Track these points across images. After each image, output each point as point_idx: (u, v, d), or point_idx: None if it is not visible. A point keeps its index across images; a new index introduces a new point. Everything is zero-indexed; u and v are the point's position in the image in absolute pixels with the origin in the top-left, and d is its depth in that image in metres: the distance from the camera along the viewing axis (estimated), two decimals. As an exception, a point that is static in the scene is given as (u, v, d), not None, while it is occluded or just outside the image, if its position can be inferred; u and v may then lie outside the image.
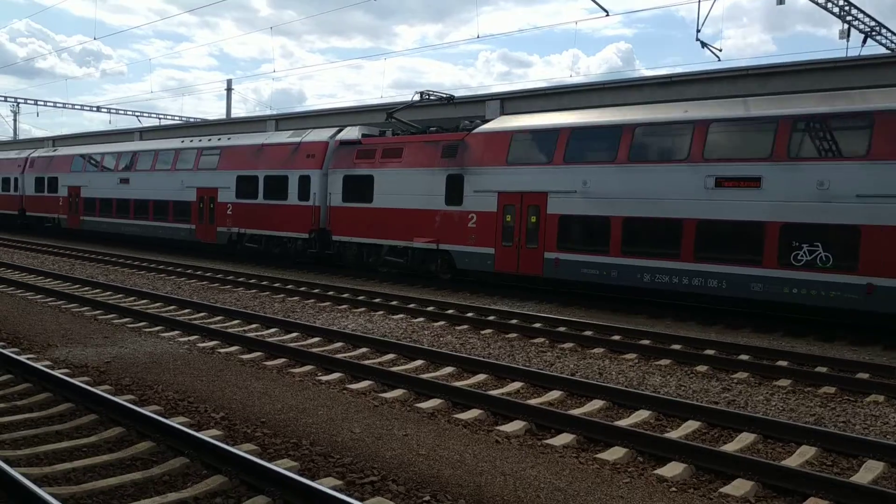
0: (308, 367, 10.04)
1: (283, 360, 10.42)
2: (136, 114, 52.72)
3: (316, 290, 17.67)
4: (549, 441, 7.21)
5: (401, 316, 14.63)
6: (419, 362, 10.59)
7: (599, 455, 6.86)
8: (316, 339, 12.06)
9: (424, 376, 9.54)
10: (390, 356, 10.95)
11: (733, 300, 15.11)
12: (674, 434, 7.57)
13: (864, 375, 10.40)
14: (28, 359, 9.43)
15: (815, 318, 14.66)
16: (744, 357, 11.50)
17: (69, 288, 17.23)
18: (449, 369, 10.21)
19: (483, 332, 13.22)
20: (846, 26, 27.76)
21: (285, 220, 23.57)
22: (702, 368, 10.71)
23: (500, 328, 13.43)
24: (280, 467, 5.72)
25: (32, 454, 6.35)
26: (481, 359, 10.58)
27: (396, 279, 20.48)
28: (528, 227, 17.49)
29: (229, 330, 12.40)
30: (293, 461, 6.33)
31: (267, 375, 9.53)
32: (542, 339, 12.56)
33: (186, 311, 14.55)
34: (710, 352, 11.82)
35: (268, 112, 40.69)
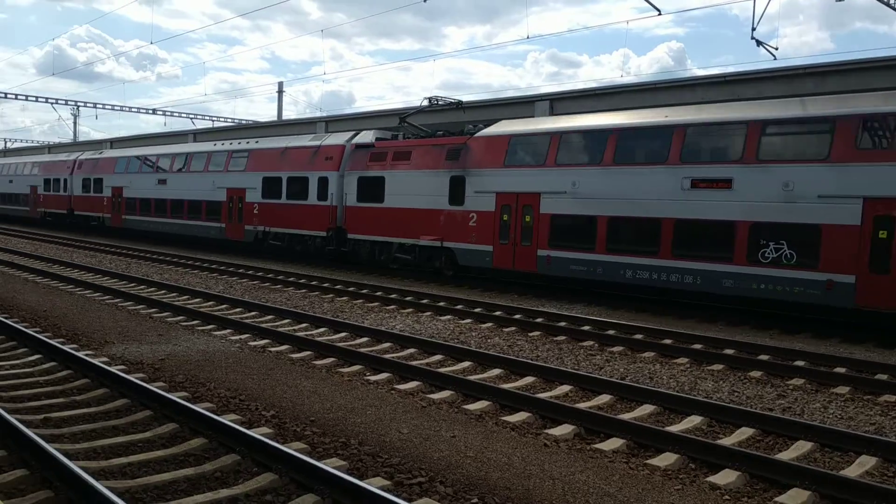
0: (357, 367, 10.10)
1: (332, 359, 10.51)
2: (190, 116, 53.82)
3: (364, 291, 17.79)
4: (599, 445, 7.13)
5: (448, 317, 14.64)
6: (467, 364, 10.58)
7: (650, 461, 6.75)
8: (364, 339, 12.14)
9: (472, 378, 9.52)
10: (438, 357, 10.95)
11: (707, 295, 15.94)
12: (727, 441, 7.42)
13: (928, 384, 10.04)
14: (86, 355, 9.69)
15: (781, 312, 15.43)
16: (800, 363, 11.19)
17: (125, 286, 17.67)
18: (496, 371, 10.17)
19: (531, 334, 13.14)
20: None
21: (306, 219, 24.77)
22: (756, 374, 10.47)
23: (549, 330, 13.34)
24: (329, 466, 5.77)
25: (90, 448, 6.52)
26: (529, 361, 10.52)
27: (440, 280, 20.54)
28: (523, 225, 18.42)
29: (280, 329, 12.56)
30: (342, 460, 6.38)
31: (316, 374, 9.62)
32: (591, 342, 12.43)
33: (238, 310, 14.78)
34: (764, 357, 11.55)
35: (318, 114, 41.18)
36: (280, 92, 54.81)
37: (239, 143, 30.06)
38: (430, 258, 21.10)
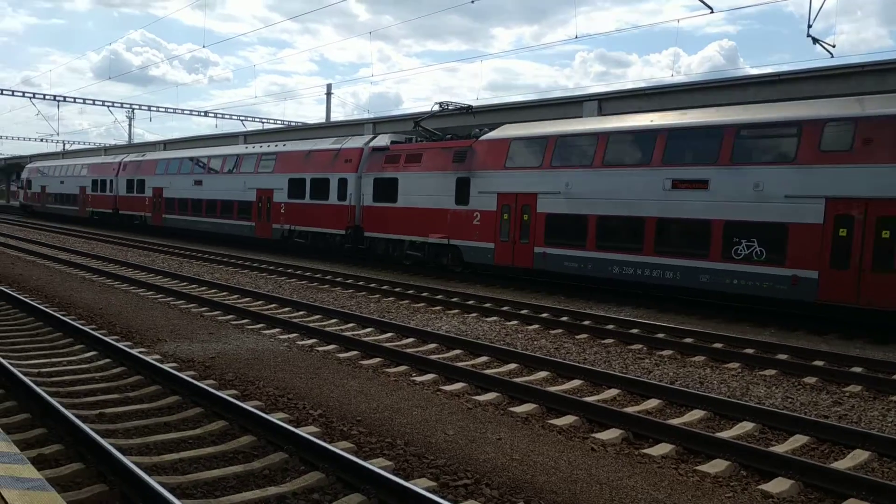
0: (403, 368, 10.14)
1: (378, 359, 10.57)
2: (241, 118, 54.72)
3: (410, 292, 17.85)
4: (647, 451, 7.02)
5: (494, 318, 14.59)
6: (513, 366, 10.53)
7: (700, 467, 6.63)
8: (410, 340, 12.17)
9: (518, 380, 9.47)
10: (484, 359, 10.92)
11: (686, 290, 16.63)
12: (780, 448, 7.24)
13: None
14: (139, 352, 9.91)
15: (753, 306, 16.05)
16: (857, 369, 10.88)
17: (177, 285, 18.03)
18: (543, 374, 10.10)
19: (578, 336, 13.02)
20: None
21: (327, 218, 26.18)
22: (810, 380, 10.20)
23: (596, 333, 13.20)
24: (375, 466, 5.79)
25: (143, 444, 6.66)
26: (576, 364, 10.42)
27: (483, 279, 20.51)
28: (522, 224, 19.50)
29: (327, 329, 12.67)
30: (388, 460, 6.40)
31: (363, 374, 9.68)
32: (639, 346, 12.27)
33: (286, 309, 14.96)
34: (819, 363, 11.24)
35: (365, 115, 41.45)
36: (328, 94, 55.45)
37: (268, 146, 31.43)
38: (438, 255, 22.18)
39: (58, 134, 70.82)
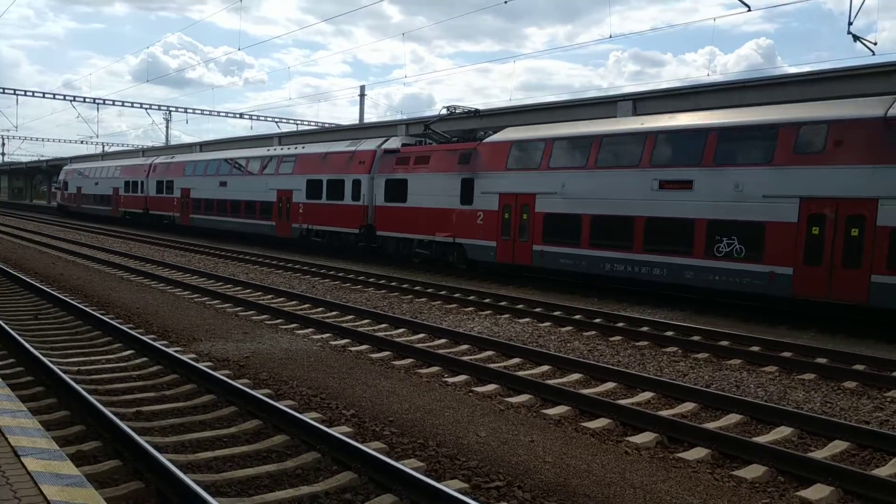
0: (435, 369, 10.14)
1: (410, 360, 10.58)
2: (275, 120, 55.21)
3: (443, 292, 17.86)
4: (682, 455, 6.93)
5: (527, 320, 14.53)
6: (545, 368, 10.47)
7: (736, 472, 6.52)
8: (442, 341, 12.17)
9: (551, 382, 9.41)
10: (516, 360, 10.88)
11: (672, 286, 17.40)
12: (819, 454, 7.09)
13: None
14: (175, 351, 10.05)
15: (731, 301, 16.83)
16: (899, 374, 10.62)
17: (213, 285, 18.25)
18: (576, 376, 10.03)
19: (612, 338, 12.91)
20: None
21: (342, 217, 27.36)
22: (850, 384, 9.99)
23: (630, 335, 13.08)
24: (407, 467, 5.79)
25: (178, 442, 6.74)
26: (610, 366, 10.33)
27: (512, 279, 20.46)
28: (521, 223, 20.35)
29: (360, 329, 12.72)
30: (420, 461, 6.40)
31: (395, 375, 9.70)
32: (674, 349, 12.12)
33: (320, 309, 15.06)
34: (859, 367, 11.01)
35: (399, 116, 41.57)
36: (362, 95, 55.66)
37: (287, 149, 32.97)
38: (445, 253, 23.19)
39: (97, 136, 72.37)
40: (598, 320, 14.51)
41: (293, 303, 15.87)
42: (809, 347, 12.14)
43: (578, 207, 18.74)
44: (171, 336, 11.76)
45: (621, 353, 11.66)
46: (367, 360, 10.52)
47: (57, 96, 49.25)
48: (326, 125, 53.58)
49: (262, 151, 35.11)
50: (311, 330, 12.71)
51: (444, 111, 26.07)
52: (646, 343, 12.55)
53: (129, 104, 52.91)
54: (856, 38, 20.60)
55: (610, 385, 9.60)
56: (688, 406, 8.67)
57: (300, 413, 7.29)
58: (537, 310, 15.57)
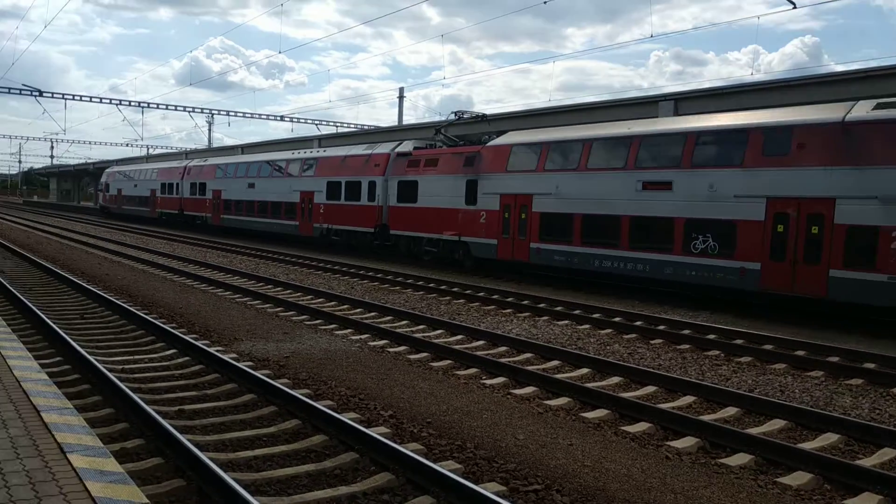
0: (473, 370, 10.11)
1: (448, 361, 10.57)
2: (316, 122, 55.63)
3: (481, 294, 17.83)
4: (724, 460, 6.81)
5: (566, 322, 14.43)
6: (584, 370, 10.37)
7: (781, 479, 6.38)
8: (480, 343, 12.14)
9: (590, 385, 9.33)
10: (555, 363, 10.80)
11: (653, 281, 18.22)
12: (867, 462, 6.91)
13: None
14: (217, 351, 10.18)
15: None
16: (951, 380, 10.30)
17: (254, 285, 18.47)
18: (616, 379, 9.92)
19: (652, 341, 12.75)
20: None
21: (358, 217, 28.83)
22: (900, 391, 9.72)
23: (671, 338, 12.90)
24: (445, 469, 5.78)
25: (219, 440, 6.82)
26: (650, 370, 10.19)
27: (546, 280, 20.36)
28: (520, 222, 21.42)
29: (398, 330, 12.75)
30: (458, 463, 6.38)
31: (433, 376, 9.70)
32: (716, 352, 11.92)
33: (359, 310, 15.14)
34: (909, 373, 10.70)
35: (437, 118, 41.57)
36: (401, 97, 55.78)
37: (310, 152, 34.90)
38: (451, 251, 24.39)
39: (142, 139, 73.89)
40: (638, 323, 14.34)
41: (332, 303, 15.98)
42: (857, 352, 11.84)
43: (571, 207, 19.81)
44: (213, 336, 11.92)
45: (662, 357, 11.51)
46: (406, 361, 10.54)
47: (103, 100, 50.23)
48: (365, 127, 53.88)
49: (286, 154, 36.73)
50: (349, 330, 12.78)
51: (453, 116, 28.42)
52: (687, 346, 12.37)
53: (173, 107, 54.03)
54: (905, 34, 20.07)
55: (650, 389, 9.48)
56: (730, 411, 8.51)
57: (339, 413, 7.32)
58: (576, 312, 15.46)
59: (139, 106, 51.72)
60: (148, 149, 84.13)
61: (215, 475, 5.39)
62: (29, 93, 44.63)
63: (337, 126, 56.59)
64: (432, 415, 7.87)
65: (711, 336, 13.15)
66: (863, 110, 14.83)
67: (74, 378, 8.74)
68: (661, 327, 13.94)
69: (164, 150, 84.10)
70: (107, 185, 63.68)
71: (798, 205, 15.11)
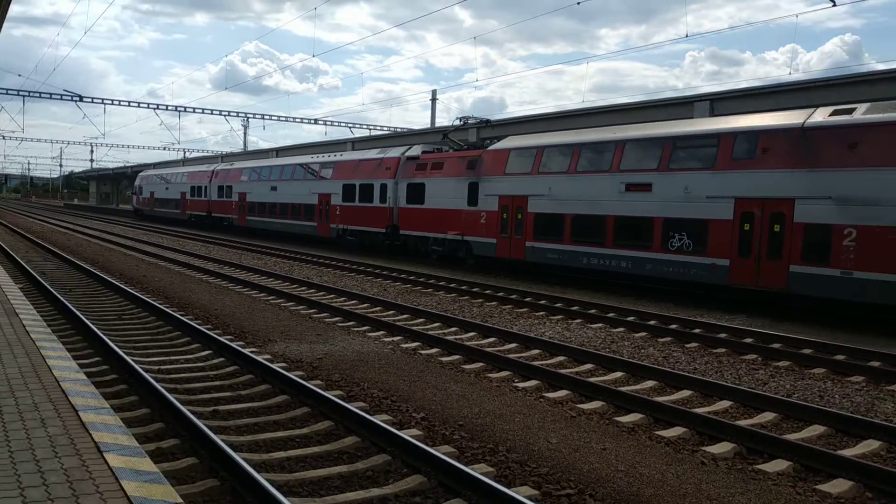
0: (505, 373, 10.07)
1: (480, 364, 10.54)
2: (349, 125, 55.93)
3: (514, 296, 17.77)
4: (761, 467, 6.68)
5: (599, 325, 14.31)
6: (618, 374, 10.27)
7: (820, 486, 6.25)
8: (513, 345, 12.09)
9: (624, 389, 9.23)
10: (588, 366, 10.72)
11: (635, 276, 19.45)
12: (910, 470, 6.72)
13: None
14: (251, 352, 10.27)
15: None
16: None
17: (288, 287, 18.62)
18: (650, 383, 9.81)
19: (688, 345, 12.58)
20: None
21: (371, 218, 30.34)
22: (945, 397, 9.46)
23: (707, 342, 12.72)
24: (477, 472, 5.75)
25: (253, 441, 6.87)
26: (686, 374, 10.06)
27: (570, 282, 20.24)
28: (517, 222, 22.69)
29: (430, 332, 12.75)
30: (490, 466, 6.35)
31: (465, 379, 9.67)
32: (753, 356, 11.73)
33: (391, 312, 15.17)
34: (954, 379, 10.42)
35: (470, 120, 41.50)
36: (433, 100, 55.85)
37: (328, 157, 36.43)
38: (455, 249, 25.74)
39: (178, 142, 75.03)
40: (673, 326, 14.18)
41: (365, 305, 16.04)
42: (899, 357, 11.56)
43: (562, 208, 21.04)
44: (248, 337, 12.03)
45: (697, 361, 11.35)
46: (438, 364, 10.53)
47: (141, 105, 51.07)
48: (398, 130, 54.05)
49: (306, 158, 38.66)
50: (382, 332, 12.81)
51: (458, 122, 31.36)
52: (723, 350, 12.19)
53: (209, 111, 54.54)
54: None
55: (685, 393, 9.35)
56: (768, 416, 8.36)
57: (371, 415, 7.34)
58: (610, 315, 15.32)
59: (176, 110, 52.53)
60: (185, 152, 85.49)
61: (249, 476, 5.43)
62: (70, 98, 45.59)
63: (370, 129, 56.82)
64: (464, 417, 7.84)
65: (748, 340, 12.94)
66: (821, 116, 15.87)
67: (112, 378, 8.88)
68: (697, 331, 13.76)
69: (199, 154, 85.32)
70: (140, 188, 65.99)
71: (762, 205, 16.22)
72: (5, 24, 12.00)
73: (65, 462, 4.48)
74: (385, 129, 55.99)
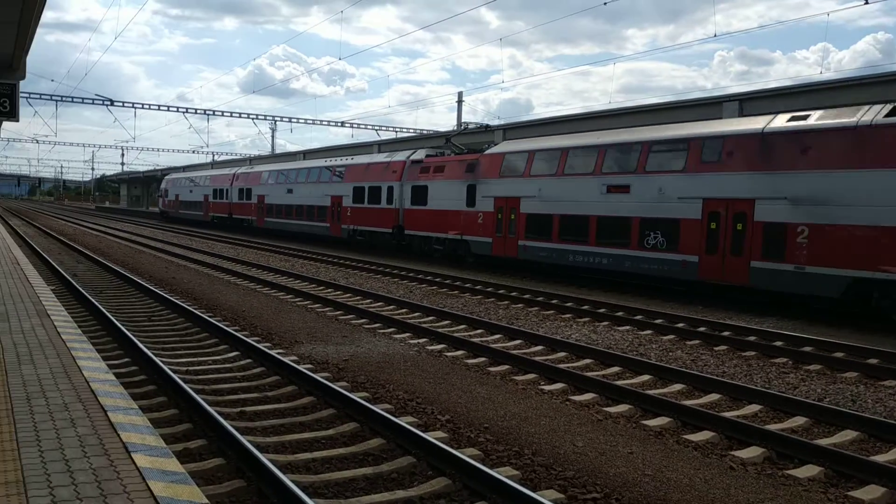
0: (531, 376, 10.02)
1: (506, 366, 10.50)
2: (375, 128, 56.10)
3: (540, 298, 17.69)
4: (792, 472, 6.57)
5: (626, 328, 14.19)
6: (645, 377, 10.18)
7: (852, 493, 6.13)
8: (539, 348, 12.03)
9: (651, 392, 9.14)
10: (615, 369, 10.63)
11: (615, 273, 20.66)
12: (946, 477, 6.57)
13: None
14: (278, 354, 10.32)
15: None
16: None
17: (314, 289, 18.71)
18: (678, 386, 9.70)
19: (717, 348, 12.43)
20: None
21: (379, 219, 31.81)
22: (982, 402, 9.24)
23: (736, 345, 12.56)
24: (503, 475, 5.72)
25: (279, 442, 6.90)
26: (714, 377, 9.94)
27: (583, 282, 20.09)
28: (510, 222, 23.96)
29: (455, 334, 12.72)
30: (515, 469, 6.32)
31: (490, 381, 9.64)
32: (783, 359, 11.56)
33: (416, 314, 15.18)
34: None
35: (496, 122, 41.57)
36: (459, 102, 55.80)
37: (340, 160, 38.04)
38: (455, 248, 27.15)
39: (207, 145, 75.36)
40: (702, 329, 14.02)
41: (391, 307, 16.06)
42: (935, 361, 11.33)
43: (551, 208, 22.28)
44: (275, 338, 12.11)
45: (726, 364, 11.21)
46: (463, 366, 10.51)
47: (171, 108, 51.61)
48: (425, 132, 54.11)
49: (320, 162, 40.32)
50: (408, 334, 12.82)
51: (462, 126, 34.24)
52: (753, 353, 12.02)
53: (237, 115, 54.93)
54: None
55: (714, 396, 9.24)
56: (798, 420, 8.23)
57: (396, 417, 7.34)
58: (638, 317, 15.19)
59: (205, 114, 52.98)
60: (213, 155, 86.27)
61: (274, 477, 5.45)
62: (101, 102, 46.21)
63: (396, 131, 56.93)
64: (490, 420, 7.82)
65: (778, 343, 12.75)
66: (779, 122, 16.91)
67: (141, 379, 8.98)
68: (726, 333, 13.59)
69: (227, 157, 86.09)
70: (165, 191, 68.27)
71: (727, 205, 17.38)
72: (39, 30, 12.19)
73: (93, 462, 4.53)
74: (411, 130, 56.06)
